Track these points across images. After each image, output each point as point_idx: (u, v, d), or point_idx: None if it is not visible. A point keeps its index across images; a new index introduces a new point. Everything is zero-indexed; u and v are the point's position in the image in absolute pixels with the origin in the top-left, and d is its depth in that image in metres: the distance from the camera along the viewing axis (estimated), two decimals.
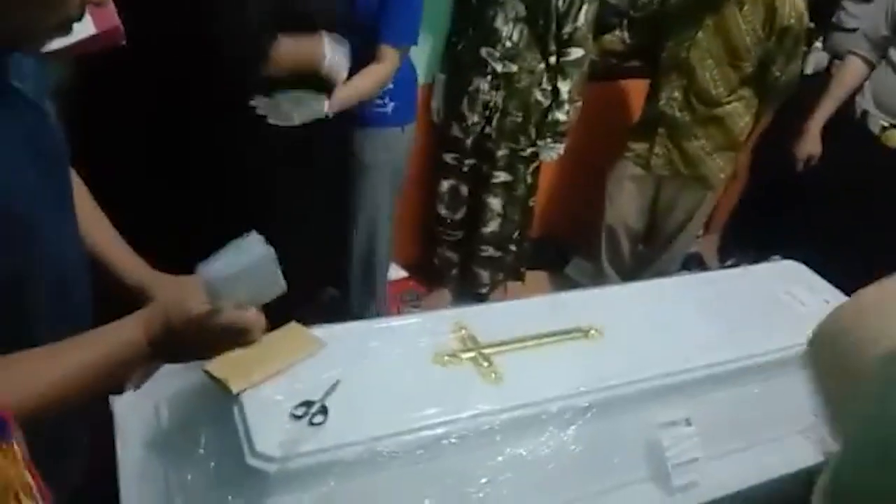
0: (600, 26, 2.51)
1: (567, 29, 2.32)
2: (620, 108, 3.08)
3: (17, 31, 0.75)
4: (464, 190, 2.61)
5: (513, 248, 2.74)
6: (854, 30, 2.69)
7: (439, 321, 1.51)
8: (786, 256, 2.11)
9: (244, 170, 1.77)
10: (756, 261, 2.53)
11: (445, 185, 2.60)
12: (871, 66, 2.50)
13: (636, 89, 2.89)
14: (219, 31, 1.58)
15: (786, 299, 1.82)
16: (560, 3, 2.27)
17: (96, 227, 1.07)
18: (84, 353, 0.78)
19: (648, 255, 2.91)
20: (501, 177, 2.54)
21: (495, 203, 2.59)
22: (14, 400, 0.68)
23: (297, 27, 1.74)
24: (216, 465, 1.17)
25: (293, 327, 1.40)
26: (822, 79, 2.71)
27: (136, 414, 1.32)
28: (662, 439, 1.37)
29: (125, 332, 0.82)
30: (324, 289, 2.43)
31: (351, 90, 1.91)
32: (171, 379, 1.33)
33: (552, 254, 3.14)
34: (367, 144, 2.18)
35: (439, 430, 1.23)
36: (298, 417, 1.18)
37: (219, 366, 1.25)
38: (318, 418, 1.19)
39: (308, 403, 1.21)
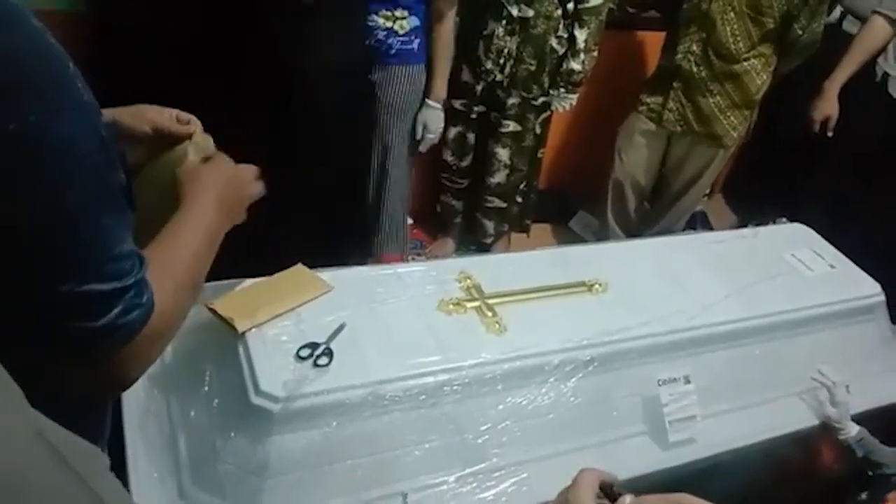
0: None
1: None
2: (635, 60, 3.01)
3: None
4: (471, 138, 2.57)
5: (519, 199, 2.72)
6: None
7: (445, 270, 1.51)
8: (793, 219, 2.10)
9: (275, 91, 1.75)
10: (763, 222, 2.53)
11: (452, 131, 2.56)
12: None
13: (652, 42, 2.82)
14: None
15: (791, 262, 1.82)
16: None
17: None
18: (197, 234, 0.85)
19: (654, 212, 2.89)
20: (510, 126, 2.50)
21: (503, 153, 2.56)
22: (176, 282, 0.77)
23: None
24: (220, 403, 1.18)
25: (300, 269, 1.40)
26: (837, 34, 2.64)
27: None
28: (661, 395, 1.38)
29: (199, 207, 0.89)
30: (343, 228, 2.44)
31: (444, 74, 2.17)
32: None
33: (557, 206, 3.12)
34: (392, 82, 2.16)
35: (442, 377, 1.24)
36: (303, 359, 1.19)
37: (224, 304, 1.25)
38: (323, 360, 1.19)
39: (313, 345, 1.21)
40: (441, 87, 2.23)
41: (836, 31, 2.62)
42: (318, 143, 1.86)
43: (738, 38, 2.39)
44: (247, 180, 1.01)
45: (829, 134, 2.56)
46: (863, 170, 2.44)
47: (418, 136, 2.26)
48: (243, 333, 1.22)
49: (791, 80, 2.61)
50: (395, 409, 1.19)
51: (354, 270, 1.53)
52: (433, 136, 2.28)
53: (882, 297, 1.76)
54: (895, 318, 1.85)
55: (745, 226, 2.78)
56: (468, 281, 1.47)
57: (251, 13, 1.65)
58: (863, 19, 2.64)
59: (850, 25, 2.70)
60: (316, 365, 1.18)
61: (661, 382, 1.38)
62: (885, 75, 2.44)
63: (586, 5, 2.30)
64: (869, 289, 1.77)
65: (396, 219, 2.43)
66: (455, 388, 1.24)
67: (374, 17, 2.05)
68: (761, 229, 2.02)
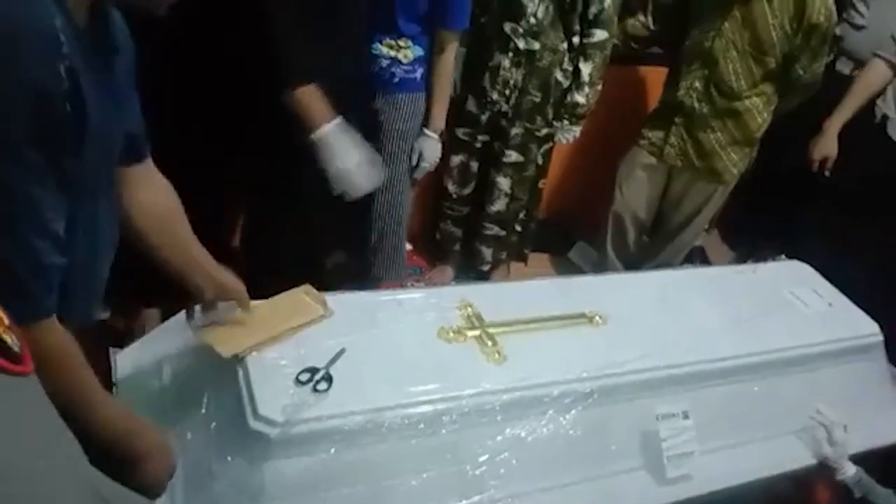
0: (624, 10, 2.48)
1: (593, 9, 2.28)
2: (638, 94, 3.04)
3: None
4: (474, 166, 2.59)
5: (518, 228, 2.73)
6: (863, 27, 2.67)
7: (446, 297, 1.51)
8: (791, 256, 2.11)
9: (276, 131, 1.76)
10: (761, 259, 2.53)
11: (456, 160, 2.57)
12: (895, 71, 2.47)
13: (655, 77, 2.85)
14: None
15: (790, 300, 1.83)
16: None
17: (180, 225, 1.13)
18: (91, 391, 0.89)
19: (653, 245, 2.90)
20: (513, 156, 2.52)
21: (504, 182, 2.57)
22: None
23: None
24: (217, 426, 1.17)
25: (303, 290, 1.39)
26: (831, 74, 2.67)
27: (136, 369, 1.32)
28: (660, 430, 1.37)
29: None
30: (343, 253, 2.45)
31: (444, 104, 2.21)
32: (174, 336, 1.33)
33: (556, 236, 3.12)
34: (394, 110, 2.17)
35: (441, 406, 1.24)
36: (302, 383, 1.19)
37: (212, 330, 1.24)
38: (322, 385, 1.19)
39: (313, 370, 1.21)
40: (440, 117, 2.25)
41: (830, 70, 2.66)
42: (321, 168, 1.86)
43: (740, 76, 2.42)
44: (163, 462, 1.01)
45: (828, 173, 2.59)
46: (861, 210, 2.45)
47: (413, 164, 2.27)
48: (243, 358, 1.21)
49: (789, 117, 2.63)
50: (393, 438, 1.19)
51: (355, 295, 1.53)
52: (428, 165, 2.28)
53: (880, 338, 1.77)
54: (893, 359, 1.85)
55: (743, 262, 2.79)
56: (469, 309, 1.47)
57: (251, 38, 1.66)
58: (856, 61, 2.68)
59: (842, 66, 2.74)
60: (315, 390, 1.18)
61: (659, 417, 1.38)
62: (885, 117, 2.47)
63: (591, 40, 2.33)
64: (867, 328, 1.77)
65: (396, 245, 2.44)
66: (454, 417, 1.23)
67: (378, 46, 2.07)
68: (760, 266, 2.03)
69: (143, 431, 0.97)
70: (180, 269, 1.12)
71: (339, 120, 1.73)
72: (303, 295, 1.39)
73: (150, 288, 1.53)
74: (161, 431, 1.03)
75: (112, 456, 0.91)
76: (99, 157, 0.86)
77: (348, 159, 1.75)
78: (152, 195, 1.08)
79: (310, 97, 1.70)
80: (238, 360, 1.21)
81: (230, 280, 1.21)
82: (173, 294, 1.19)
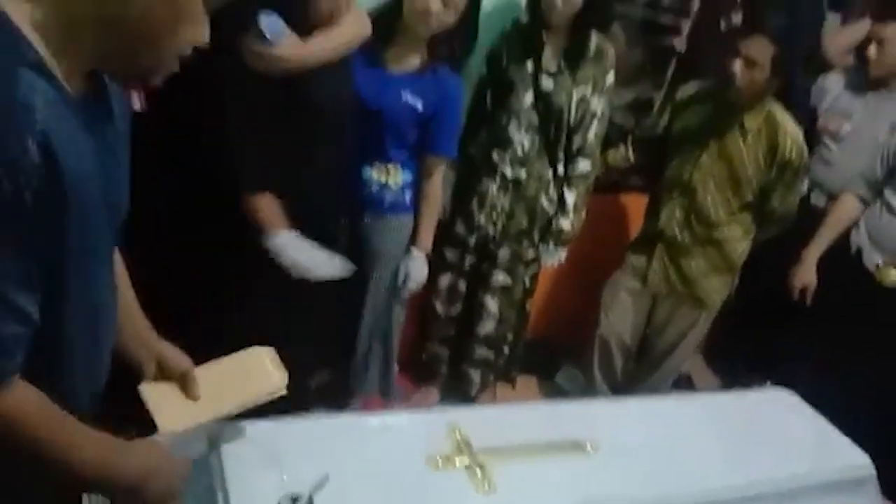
0: (606, 142, 2.59)
1: (577, 142, 2.39)
2: (620, 220, 3.14)
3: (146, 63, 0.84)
4: (462, 287, 2.62)
5: (506, 350, 2.72)
6: (833, 163, 2.79)
7: (434, 421, 1.49)
8: (777, 382, 2.11)
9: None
10: (746, 385, 2.53)
11: (444, 280, 2.60)
12: (866, 205, 2.58)
13: (636, 203, 2.96)
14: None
15: (778, 429, 1.81)
16: (572, 116, 2.36)
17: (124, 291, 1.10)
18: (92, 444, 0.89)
19: (640, 371, 2.89)
20: (500, 278, 2.55)
21: (492, 303, 2.59)
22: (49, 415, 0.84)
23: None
24: None
25: (265, 353, 1.26)
26: (805, 206, 2.77)
27: None
28: None
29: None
30: (328, 372, 2.41)
31: (431, 227, 2.27)
32: None
33: (543, 357, 3.11)
34: (381, 231, 2.22)
35: None
36: None
37: (156, 390, 1.15)
38: None
39: (295, 498, 1.17)
40: (427, 237, 2.29)
41: (805, 202, 2.77)
42: (309, 287, 1.87)
43: (719, 207, 2.51)
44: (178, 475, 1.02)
45: (808, 303, 2.64)
46: (843, 337, 2.48)
47: (399, 283, 2.29)
48: (223, 475, 1.17)
49: (768, 245, 2.71)
50: None
51: (341, 417, 1.51)
52: (414, 285, 2.30)
53: (872, 471, 1.74)
54: (886, 492, 1.81)
55: (728, 388, 2.78)
56: (457, 433, 1.44)
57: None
58: (829, 194, 2.80)
59: (816, 198, 2.85)
60: None
61: None
62: (860, 249, 2.55)
63: (575, 170, 2.43)
64: (859, 460, 1.75)
65: (384, 365, 2.42)
66: None
67: (369, 171, 2.15)
68: (747, 393, 2.03)
69: (131, 457, 0.95)
70: (120, 341, 1.08)
71: (294, 232, 1.78)
72: (264, 358, 1.25)
73: None
74: (153, 443, 1.01)
75: (115, 490, 0.95)
76: (89, 224, 0.84)
77: (304, 256, 1.78)
78: None
79: (264, 205, 1.75)
80: (220, 482, 1.16)
81: (173, 353, 1.17)
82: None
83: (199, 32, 0.83)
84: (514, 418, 1.59)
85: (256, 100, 1.67)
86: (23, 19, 0.75)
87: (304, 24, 1.67)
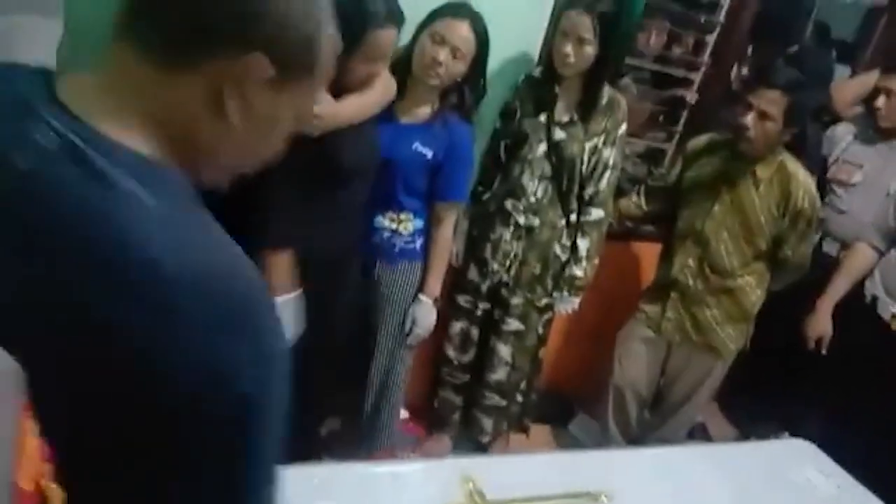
0: (618, 191, 2.62)
1: (589, 191, 2.42)
2: (634, 268, 3.14)
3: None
4: (474, 333, 2.62)
5: (519, 398, 2.71)
6: (844, 212, 2.80)
7: (446, 470, 1.48)
8: (794, 433, 2.09)
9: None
10: (762, 435, 2.50)
11: (457, 326, 2.61)
12: (881, 254, 2.58)
13: (650, 252, 2.96)
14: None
15: (797, 481, 1.79)
16: (584, 166, 2.39)
17: None
18: None
19: (654, 420, 2.86)
20: (513, 325, 2.55)
21: (505, 350, 2.59)
22: None
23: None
24: None
25: None
26: (818, 254, 2.77)
27: None
28: None
29: None
30: (334, 419, 2.40)
31: (440, 273, 2.27)
32: None
33: (556, 407, 3.09)
34: (391, 277, 2.23)
35: None
36: None
37: None
38: None
39: None
40: (435, 284, 2.30)
41: (818, 251, 2.77)
42: (319, 335, 1.88)
43: (732, 256, 2.51)
44: None
45: (824, 352, 2.62)
46: (859, 387, 2.46)
47: (407, 329, 2.30)
48: None
49: (783, 294, 2.70)
50: None
51: (352, 466, 1.50)
52: (422, 332, 2.31)
53: None
54: None
55: (745, 438, 2.74)
56: (471, 485, 1.44)
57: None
58: (841, 242, 2.80)
59: (829, 247, 2.86)
60: None
61: None
62: (874, 297, 2.54)
63: (588, 219, 2.45)
64: None
65: (391, 412, 2.41)
66: None
67: (380, 219, 2.18)
68: (764, 444, 2.01)
69: None
70: None
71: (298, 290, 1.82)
72: None
73: None
74: None
75: None
76: None
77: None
78: None
79: (281, 261, 1.78)
80: None
81: None
82: None
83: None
84: (527, 468, 1.58)
85: (289, 158, 1.71)
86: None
87: (338, 87, 1.72)
